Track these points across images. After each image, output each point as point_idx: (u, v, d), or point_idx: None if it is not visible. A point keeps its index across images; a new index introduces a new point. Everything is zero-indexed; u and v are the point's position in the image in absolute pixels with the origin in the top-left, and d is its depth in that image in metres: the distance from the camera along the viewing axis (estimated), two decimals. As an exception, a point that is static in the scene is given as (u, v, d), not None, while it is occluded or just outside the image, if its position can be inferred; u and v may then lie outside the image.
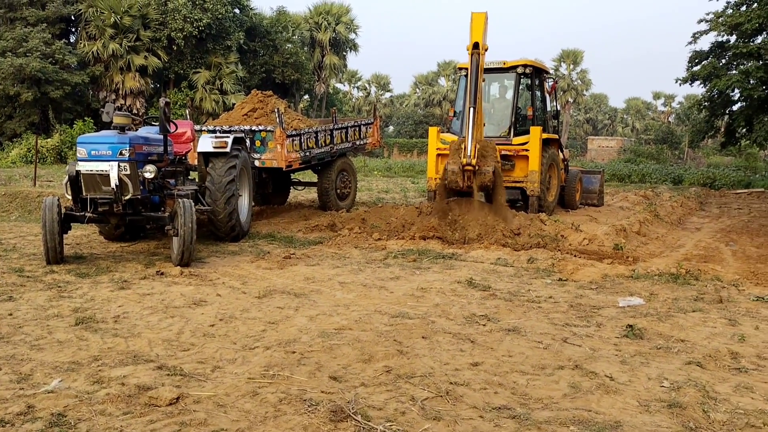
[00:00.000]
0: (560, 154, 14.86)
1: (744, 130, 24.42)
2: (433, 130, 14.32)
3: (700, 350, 4.97)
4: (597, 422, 3.65)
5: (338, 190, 13.74)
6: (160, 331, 5.24)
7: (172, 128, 8.70)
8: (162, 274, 7.36)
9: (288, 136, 11.69)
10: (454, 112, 14.42)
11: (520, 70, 13.67)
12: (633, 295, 6.72)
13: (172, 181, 9.03)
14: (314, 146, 12.69)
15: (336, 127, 13.53)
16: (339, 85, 64.00)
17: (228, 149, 9.52)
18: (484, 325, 5.57)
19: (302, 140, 12.25)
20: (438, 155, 13.98)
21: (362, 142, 14.56)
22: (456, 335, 5.23)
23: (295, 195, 16.55)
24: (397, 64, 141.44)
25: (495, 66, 13.89)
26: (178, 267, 7.60)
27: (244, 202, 10.27)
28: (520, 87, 13.86)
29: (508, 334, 5.30)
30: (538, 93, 14.25)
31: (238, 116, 13.01)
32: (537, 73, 14.14)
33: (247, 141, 11.09)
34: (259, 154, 11.74)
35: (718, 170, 32.57)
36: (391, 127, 60.91)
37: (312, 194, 16.48)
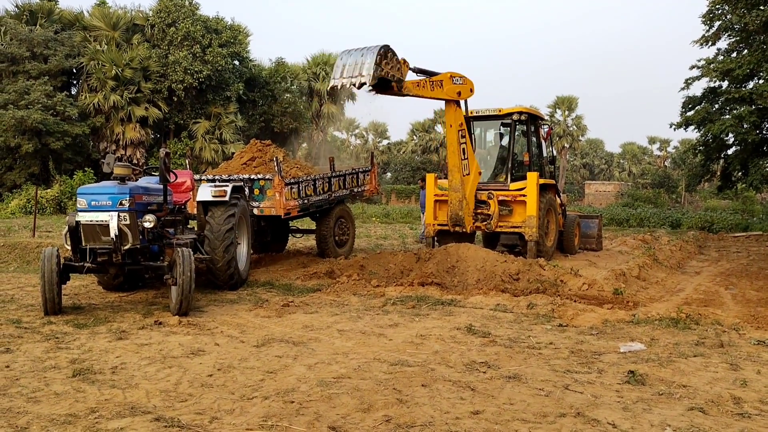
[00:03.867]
0: (558, 199, 14.96)
1: (740, 173, 24.65)
2: (430, 177, 14.46)
3: (702, 396, 4.93)
4: (600, 471, 3.59)
5: (337, 237, 13.77)
6: (157, 382, 5.19)
7: (171, 178, 8.78)
8: (160, 323, 7.32)
9: (286, 184, 11.79)
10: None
11: (515, 116, 13.87)
12: (634, 341, 6.68)
13: (171, 230, 9.06)
14: (313, 194, 12.78)
15: (334, 174, 13.65)
16: (337, 133, 64.75)
17: (227, 198, 9.59)
18: (484, 372, 5.53)
19: (300, 188, 12.34)
20: (436, 201, 14.09)
21: (360, 189, 14.67)
22: (456, 383, 5.19)
23: (294, 242, 16.56)
24: (394, 112, 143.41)
25: (491, 113, 14.13)
26: (177, 316, 7.56)
27: (243, 251, 10.29)
28: (516, 133, 14.04)
29: (509, 382, 5.25)
30: (534, 139, 14.44)
31: (237, 165, 13.14)
32: (532, 119, 14.35)
33: (246, 189, 11.18)
34: (257, 203, 11.81)
35: (715, 214, 32.67)
36: (388, 174, 61.29)
37: (310, 241, 16.50)
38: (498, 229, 13.55)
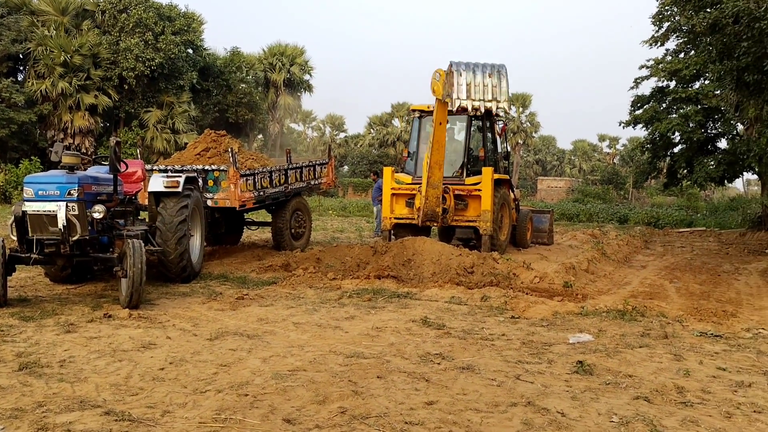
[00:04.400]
0: (511, 194, 15.18)
1: (685, 171, 25.46)
2: (387, 170, 14.49)
3: (647, 385, 5.10)
4: (549, 458, 3.69)
5: (293, 230, 13.69)
6: (107, 376, 5.10)
7: (122, 167, 8.60)
8: (110, 316, 7.17)
9: (242, 176, 11.66)
10: (408, 153, 14.67)
11: (471, 112, 13.99)
12: (582, 332, 6.86)
13: (121, 221, 8.88)
14: (268, 186, 12.68)
15: (290, 166, 13.56)
16: (293, 125, 64.22)
17: (180, 189, 9.43)
18: (438, 363, 5.60)
19: (256, 180, 12.22)
20: (393, 195, 14.13)
21: (317, 182, 14.61)
22: (411, 374, 5.24)
23: (249, 235, 16.40)
24: (351, 105, 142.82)
25: (447, 109, 14.20)
26: (127, 309, 7.42)
27: (196, 243, 10.15)
28: (472, 129, 14.18)
29: (463, 372, 5.33)
30: (490, 135, 14.60)
31: (190, 156, 12.93)
32: (488, 115, 14.49)
33: (200, 180, 11.01)
34: (212, 194, 11.66)
35: (661, 210, 33.69)
36: (345, 167, 61.13)
37: (266, 234, 16.36)
38: (453, 223, 13.69)
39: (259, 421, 4.18)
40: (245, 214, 14.14)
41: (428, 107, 14.36)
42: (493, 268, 10.27)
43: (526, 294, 8.93)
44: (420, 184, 13.44)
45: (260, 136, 50.25)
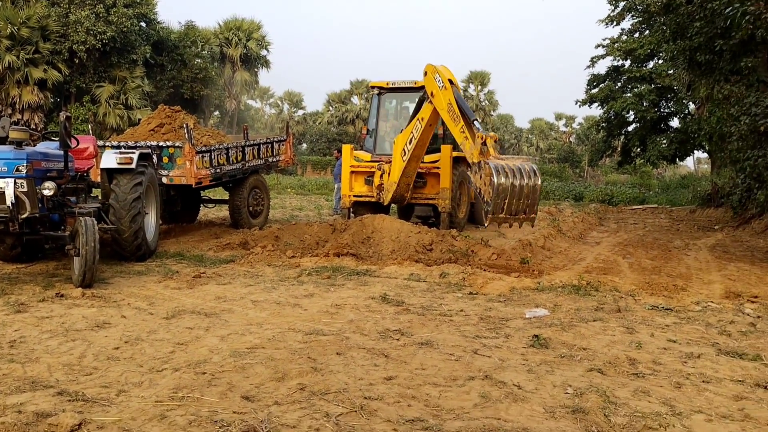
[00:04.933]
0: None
1: (638, 149, 26.08)
2: (347, 148, 14.41)
3: (600, 357, 5.22)
4: (506, 430, 3.76)
5: (251, 208, 13.54)
6: (60, 356, 4.98)
7: (73, 143, 8.35)
8: (62, 296, 7.00)
9: (198, 153, 11.45)
10: (368, 130, 14.61)
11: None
12: (538, 307, 6.98)
13: (73, 198, 8.64)
14: (225, 163, 12.48)
15: (248, 143, 13.36)
16: (251, 102, 63.29)
17: (133, 165, 9.20)
18: (397, 339, 5.63)
19: (213, 156, 12.02)
20: (352, 172, 14.08)
21: (275, 159, 14.44)
22: (370, 350, 5.26)
23: (206, 213, 16.17)
24: (310, 82, 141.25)
25: (407, 85, 14.18)
26: (80, 288, 7.24)
27: (151, 221, 9.95)
28: (431, 106, 14.14)
29: (421, 348, 5.37)
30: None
31: (144, 131, 12.63)
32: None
33: (154, 157, 10.78)
34: (167, 171, 11.42)
35: (615, 187, 34.45)
36: (304, 145, 60.59)
37: (223, 212, 16.15)
38: (412, 201, 13.73)
39: (217, 398, 4.14)
40: (202, 191, 13.92)
41: (387, 84, 14.31)
42: (451, 246, 10.36)
43: (484, 270, 9.03)
44: (380, 161, 13.43)
45: (216, 112, 49.40)
